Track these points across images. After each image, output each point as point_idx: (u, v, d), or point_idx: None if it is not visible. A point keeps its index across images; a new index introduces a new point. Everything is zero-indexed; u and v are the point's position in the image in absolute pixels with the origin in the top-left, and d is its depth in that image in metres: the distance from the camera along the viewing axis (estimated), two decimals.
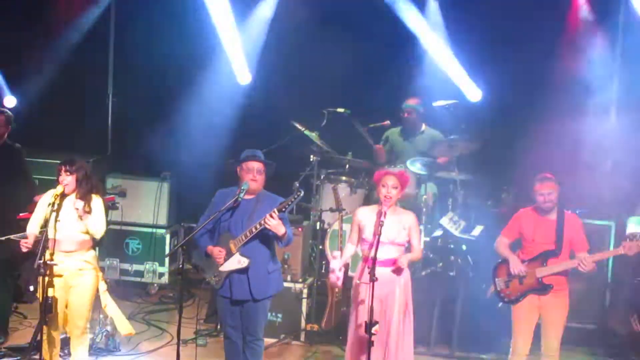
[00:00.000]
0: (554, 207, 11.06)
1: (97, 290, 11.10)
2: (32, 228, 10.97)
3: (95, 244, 11.14)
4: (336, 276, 10.78)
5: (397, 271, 10.51)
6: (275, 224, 10.44)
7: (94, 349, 12.17)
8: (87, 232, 10.88)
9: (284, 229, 10.54)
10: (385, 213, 10.45)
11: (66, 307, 10.92)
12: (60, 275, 10.63)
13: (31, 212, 11.35)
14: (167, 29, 15.72)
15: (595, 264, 10.97)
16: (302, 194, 10.66)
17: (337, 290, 12.70)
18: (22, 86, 14.94)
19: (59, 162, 11.02)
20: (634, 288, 12.40)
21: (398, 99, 14.58)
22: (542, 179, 11.04)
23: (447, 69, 14.94)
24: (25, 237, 11.16)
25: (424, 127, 14.33)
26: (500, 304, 11.33)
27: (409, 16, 14.92)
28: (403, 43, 14.97)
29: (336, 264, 10.79)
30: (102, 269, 12.80)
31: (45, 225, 10.75)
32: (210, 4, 15.22)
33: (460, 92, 14.94)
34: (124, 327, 11.76)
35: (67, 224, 10.74)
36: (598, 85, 14.18)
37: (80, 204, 10.70)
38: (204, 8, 15.37)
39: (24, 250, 10.93)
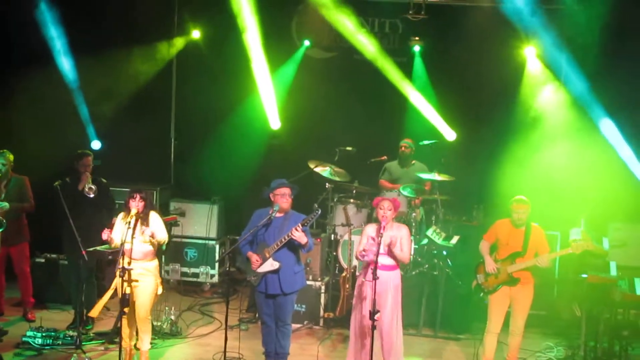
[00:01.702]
0: (524, 221, 11.06)
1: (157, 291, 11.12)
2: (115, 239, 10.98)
3: (160, 253, 11.13)
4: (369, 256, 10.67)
5: (389, 253, 10.59)
6: (299, 236, 10.52)
7: (161, 334, 12.14)
8: (151, 244, 10.88)
9: (306, 239, 10.61)
10: (384, 227, 10.45)
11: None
12: (136, 280, 10.66)
13: (111, 229, 11.36)
14: (216, 84, 15.72)
15: (549, 261, 10.99)
16: (319, 212, 10.79)
17: (347, 286, 12.65)
18: (104, 131, 14.89)
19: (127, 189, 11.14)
20: (576, 283, 12.29)
21: (393, 139, 14.56)
22: (518, 201, 11.06)
23: (429, 116, 14.89)
24: (109, 249, 11.22)
25: (413, 161, 14.30)
26: (481, 294, 11.26)
27: (399, 79, 14.91)
28: (396, 98, 14.90)
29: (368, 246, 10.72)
30: (167, 272, 12.79)
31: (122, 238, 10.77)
32: (258, 67, 15.16)
33: (440, 133, 14.87)
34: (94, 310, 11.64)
35: (136, 238, 10.76)
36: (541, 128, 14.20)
37: (149, 231, 10.79)
38: (246, 68, 15.33)
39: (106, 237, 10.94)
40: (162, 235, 10.92)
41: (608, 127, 13.79)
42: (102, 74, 14.81)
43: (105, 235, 10.75)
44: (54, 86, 14.49)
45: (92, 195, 12.03)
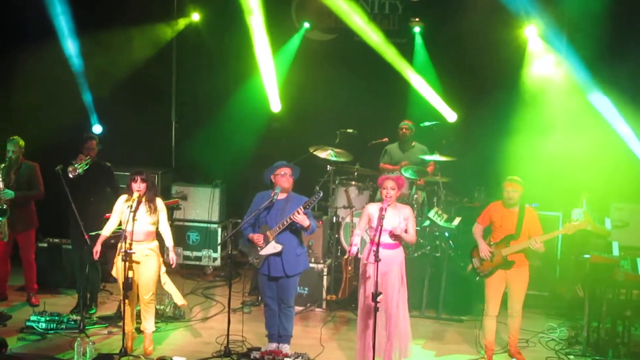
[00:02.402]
0: (516, 202, 11.02)
1: (159, 271, 11.25)
2: (106, 230, 11.22)
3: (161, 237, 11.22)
4: (355, 249, 10.79)
5: (393, 236, 10.55)
6: (301, 218, 10.56)
7: (164, 317, 12.16)
8: (153, 224, 11.01)
9: (309, 222, 10.64)
10: (385, 209, 10.42)
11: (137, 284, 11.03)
12: (138, 262, 10.80)
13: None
14: (216, 67, 15.79)
15: (542, 244, 10.90)
16: (321, 194, 10.77)
17: (349, 268, 12.63)
18: (106, 116, 14.87)
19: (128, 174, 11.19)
20: (578, 263, 12.28)
21: (394, 121, 14.54)
22: (510, 179, 11.03)
23: (430, 97, 14.86)
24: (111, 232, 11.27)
25: (414, 143, 14.26)
26: (477, 278, 11.26)
27: (399, 61, 14.87)
28: (397, 79, 14.87)
29: (356, 241, 10.79)
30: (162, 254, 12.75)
31: (122, 222, 10.91)
32: (258, 50, 15.13)
33: (440, 115, 14.85)
34: (179, 299, 12.01)
35: (138, 220, 10.82)
36: (545, 106, 14.15)
37: (146, 213, 10.94)
38: (246, 51, 15.31)
39: (95, 257, 11.22)
40: (166, 228, 11.17)
41: (608, 106, 13.77)
42: (100, 55, 14.84)
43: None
44: (54, 66, 14.50)
45: (71, 176, 11.96)
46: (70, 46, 14.67)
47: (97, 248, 11.16)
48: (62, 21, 14.47)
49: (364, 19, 14.92)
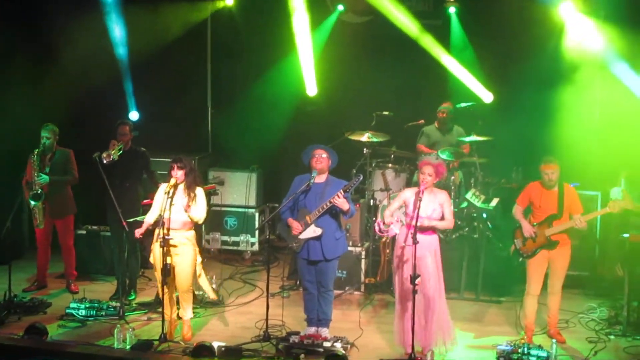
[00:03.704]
0: (556, 183, 10.99)
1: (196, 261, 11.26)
2: (149, 217, 11.19)
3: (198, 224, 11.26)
4: (390, 230, 10.78)
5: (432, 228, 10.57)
6: (341, 202, 10.57)
7: (203, 303, 12.20)
8: (192, 218, 10.98)
9: (348, 205, 10.66)
10: (422, 192, 10.39)
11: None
12: (175, 246, 10.80)
13: (152, 199, 11.49)
14: (250, 51, 15.77)
15: (586, 223, 10.91)
16: (361, 178, 10.89)
17: (387, 251, 12.65)
18: (142, 102, 14.94)
19: (170, 160, 11.13)
20: (618, 243, 12.22)
21: (430, 102, 14.56)
22: (546, 161, 10.99)
23: (465, 79, 14.77)
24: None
25: (454, 125, 14.24)
26: (520, 259, 11.23)
27: (434, 43, 14.81)
28: (432, 61, 14.81)
29: (389, 220, 10.76)
30: (207, 241, 12.78)
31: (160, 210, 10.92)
32: (292, 33, 15.02)
33: (476, 96, 14.76)
34: (211, 293, 12.18)
35: (176, 207, 10.85)
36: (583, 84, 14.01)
37: (184, 200, 10.89)
38: (280, 35, 15.27)
39: (137, 236, 11.21)
40: (197, 214, 11.01)
41: None
42: (133, 36, 14.87)
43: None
44: (96, 51, 14.60)
45: (105, 162, 12.01)
46: (117, 32, 14.75)
47: (141, 230, 11.17)
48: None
49: (398, 2, 14.85)
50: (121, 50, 14.83)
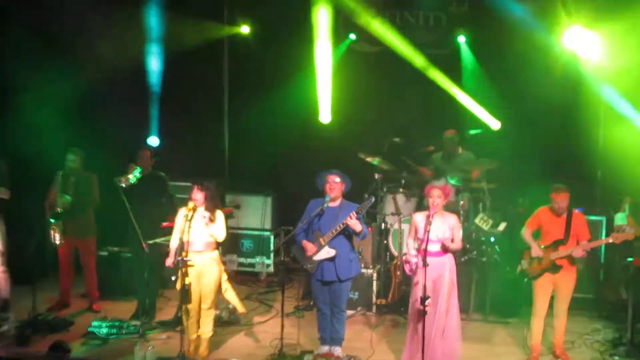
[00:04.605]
0: (565, 209, 11.08)
1: (220, 279, 11.30)
2: (173, 242, 11.16)
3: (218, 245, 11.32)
4: (414, 263, 10.77)
5: (443, 247, 10.60)
6: (354, 223, 10.67)
7: (219, 322, 12.18)
8: (212, 236, 11.02)
9: (361, 227, 10.75)
10: (432, 216, 10.48)
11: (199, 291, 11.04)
12: (192, 265, 10.76)
13: (172, 222, 11.54)
14: (266, 78, 15.81)
15: (584, 252, 11.01)
16: (373, 200, 10.92)
17: (398, 273, 12.73)
18: (162, 128, 15.04)
19: (190, 184, 11.22)
20: (622, 267, 12.30)
21: (439, 128, 14.62)
22: (556, 189, 11.05)
23: (473, 106, 14.90)
24: (168, 241, 11.40)
25: (460, 150, 14.32)
26: (526, 280, 11.32)
27: (444, 71, 14.92)
28: (441, 89, 14.91)
29: (412, 254, 10.80)
30: (224, 262, 12.90)
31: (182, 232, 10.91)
32: (319, 67, 14.96)
33: (484, 123, 14.87)
34: (239, 306, 12.25)
35: (197, 230, 10.88)
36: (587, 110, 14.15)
37: (206, 213, 10.88)
38: (295, 63, 15.37)
39: (169, 264, 11.12)
40: (218, 232, 11.05)
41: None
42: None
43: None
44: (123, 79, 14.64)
45: (123, 185, 12.05)
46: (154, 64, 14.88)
47: (172, 259, 11.08)
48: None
49: (409, 31, 15.01)
50: (153, 78, 14.94)
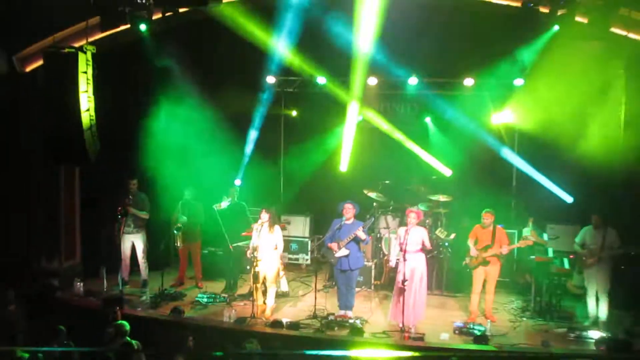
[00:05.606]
0: (490, 224, 11.17)
1: (278, 268, 11.32)
2: (251, 244, 11.15)
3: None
4: (392, 262, 11.00)
5: (421, 248, 10.66)
6: (360, 234, 10.77)
7: (276, 295, 12.06)
8: (273, 241, 11.08)
9: (365, 237, 10.86)
10: (408, 230, 10.60)
11: (264, 277, 11.09)
12: (260, 260, 10.84)
13: (248, 233, 11.58)
14: (308, 143, 15.27)
15: (507, 251, 11.13)
16: (373, 219, 11.10)
17: (388, 265, 12.66)
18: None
19: (259, 209, 11.31)
20: (528, 261, 12.21)
21: (414, 173, 14.40)
22: (486, 211, 11.26)
23: (435, 162, 14.63)
24: (247, 244, 11.44)
25: (423, 189, 14.00)
26: (468, 269, 11.42)
27: (415, 139, 14.63)
28: (410, 151, 14.67)
29: (392, 258, 10.96)
30: (280, 258, 12.93)
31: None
32: (341, 135, 14.55)
33: (438, 172, 14.59)
34: (286, 287, 12.37)
35: (264, 239, 10.99)
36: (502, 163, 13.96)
37: (270, 237, 10.99)
38: (328, 130, 14.98)
39: (248, 255, 11.13)
40: (279, 243, 11.12)
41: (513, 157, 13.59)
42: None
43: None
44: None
45: (216, 209, 12.06)
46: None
47: (248, 254, 11.16)
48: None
49: (395, 116, 14.97)
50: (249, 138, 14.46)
